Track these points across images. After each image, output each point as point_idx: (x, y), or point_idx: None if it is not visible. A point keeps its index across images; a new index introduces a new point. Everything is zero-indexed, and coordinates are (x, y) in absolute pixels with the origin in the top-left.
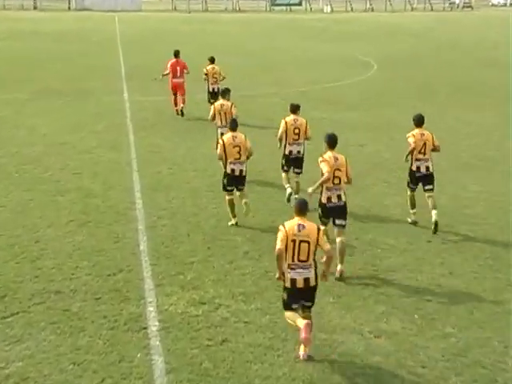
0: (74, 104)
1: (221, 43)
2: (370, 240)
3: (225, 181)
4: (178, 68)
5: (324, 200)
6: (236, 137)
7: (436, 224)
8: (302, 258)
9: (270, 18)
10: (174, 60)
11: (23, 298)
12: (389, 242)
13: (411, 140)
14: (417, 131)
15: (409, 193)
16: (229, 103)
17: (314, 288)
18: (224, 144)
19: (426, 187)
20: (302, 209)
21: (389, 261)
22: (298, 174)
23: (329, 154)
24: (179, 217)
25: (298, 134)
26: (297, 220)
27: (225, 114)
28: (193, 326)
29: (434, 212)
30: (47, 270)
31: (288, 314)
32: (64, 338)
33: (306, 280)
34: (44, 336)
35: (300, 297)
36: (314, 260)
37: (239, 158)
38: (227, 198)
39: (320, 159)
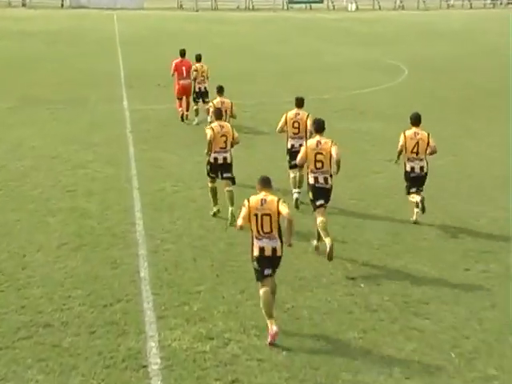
0: (66, 113)
1: (231, 45)
2: (400, 267)
3: (208, 167)
4: (184, 68)
5: (311, 181)
6: (223, 126)
7: (421, 206)
8: (266, 230)
9: (287, 18)
10: (178, 60)
11: (8, 331)
12: (421, 270)
13: (401, 140)
14: (411, 130)
15: (410, 199)
16: (229, 101)
17: (280, 258)
18: (214, 133)
19: (418, 188)
20: (265, 183)
21: (421, 291)
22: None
23: (312, 140)
24: (184, 240)
25: (298, 128)
26: (262, 195)
27: (225, 111)
28: (199, 363)
29: (416, 211)
30: (35, 299)
31: (264, 298)
32: (53, 378)
33: (274, 249)
34: (31, 375)
35: (269, 264)
36: (279, 230)
37: (225, 147)
38: (209, 185)
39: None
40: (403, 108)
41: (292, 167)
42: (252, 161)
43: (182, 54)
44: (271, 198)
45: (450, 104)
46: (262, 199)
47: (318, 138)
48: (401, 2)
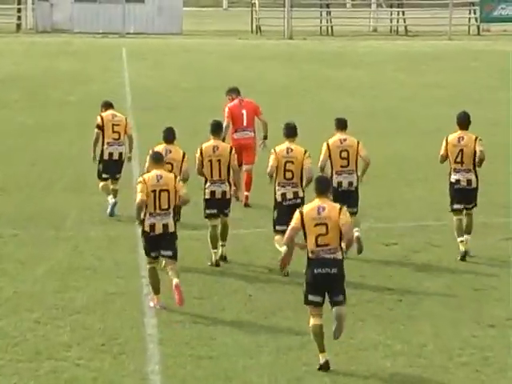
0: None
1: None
2: None
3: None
4: (245, 113)
5: (279, 198)
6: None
7: (464, 255)
8: (164, 206)
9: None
10: (235, 102)
11: None
12: None
13: (442, 147)
14: (455, 135)
15: (454, 219)
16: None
17: (172, 234)
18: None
19: (465, 206)
20: (158, 160)
21: None
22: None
23: (281, 147)
24: None
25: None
26: (155, 172)
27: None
28: None
29: (466, 237)
30: None
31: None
32: None
33: (165, 226)
34: None
35: (157, 244)
36: (172, 205)
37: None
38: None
39: (271, 150)
40: None
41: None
42: None
43: (234, 91)
44: (167, 175)
45: None
46: (157, 175)
47: (287, 144)
48: None
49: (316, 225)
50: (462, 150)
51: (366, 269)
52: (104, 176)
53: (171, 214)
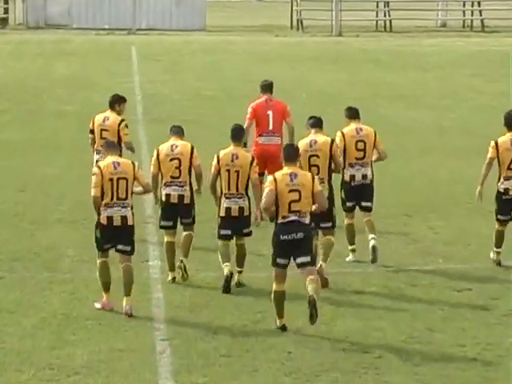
0: None
1: None
2: None
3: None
4: (271, 114)
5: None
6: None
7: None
8: (121, 196)
9: None
10: (261, 99)
11: None
12: None
13: (490, 150)
14: (506, 137)
15: (496, 227)
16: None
17: (131, 227)
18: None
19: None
20: (109, 146)
21: None
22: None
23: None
24: None
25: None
26: (111, 158)
27: None
28: None
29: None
30: None
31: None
32: None
33: (123, 218)
34: None
35: (113, 237)
36: (131, 195)
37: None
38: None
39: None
40: None
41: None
42: None
43: (267, 87)
44: (125, 162)
45: None
46: (113, 162)
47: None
48: None
49: (290, 191)
50: None
51: (433, 321)
52: None
53: (130, 206)
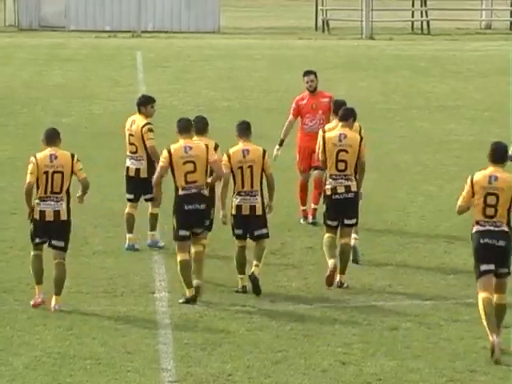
0: None
1: None
2: None
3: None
4: (314, 106)
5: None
6: None
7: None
8: (56, 190)
9: None
10: (304, 93)
11: None
12: None
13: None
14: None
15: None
16: None
17: (64, 222)
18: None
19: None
20: (49, 137)
21: None
22: None
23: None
24: None
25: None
26: (48, 150)
27: None
28: None
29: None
30: None
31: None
32: None
33: (56, 213)
34: None
35: (46, 232)
36: (66, 193)
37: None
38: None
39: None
40: None
41: None
42: None
43: (310, 74)
44: (61, 153)
45: None
46: (50, 154)
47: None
48: None
49: (184, 163)
50: None
51: (476, 361)
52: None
53: (64, 200)
